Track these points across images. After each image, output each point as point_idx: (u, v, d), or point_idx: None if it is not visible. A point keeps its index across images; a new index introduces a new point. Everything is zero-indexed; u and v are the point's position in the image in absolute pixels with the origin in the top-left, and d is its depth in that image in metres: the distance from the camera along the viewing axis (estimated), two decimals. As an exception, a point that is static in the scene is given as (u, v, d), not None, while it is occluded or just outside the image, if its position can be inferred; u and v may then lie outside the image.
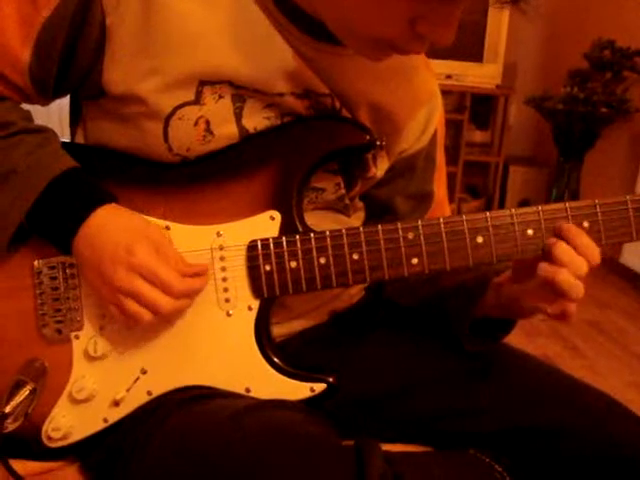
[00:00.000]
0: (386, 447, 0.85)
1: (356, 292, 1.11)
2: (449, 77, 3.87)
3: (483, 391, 0.96)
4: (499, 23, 3.86)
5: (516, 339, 1.00)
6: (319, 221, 0.93)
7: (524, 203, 4.33)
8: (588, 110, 3.57)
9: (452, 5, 0.73)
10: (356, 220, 1.04)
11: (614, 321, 3.08)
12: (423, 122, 1.01)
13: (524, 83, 4.42)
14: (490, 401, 0.95)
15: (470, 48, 3.89)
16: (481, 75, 3.95)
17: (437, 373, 0.99)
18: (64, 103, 0.99)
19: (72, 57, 0.86)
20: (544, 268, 0.82)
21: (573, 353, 2.71)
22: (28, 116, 0.90)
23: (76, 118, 0.96)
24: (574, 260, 0.81)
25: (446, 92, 3.90)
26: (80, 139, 0.95)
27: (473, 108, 4.10)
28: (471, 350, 0.96)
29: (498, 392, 0.95)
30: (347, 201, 0.98)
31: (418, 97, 1.00)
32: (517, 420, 0.92)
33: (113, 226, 0.83)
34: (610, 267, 3.48)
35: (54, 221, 0.84)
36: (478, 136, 4.51)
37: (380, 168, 0.98)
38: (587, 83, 3.65)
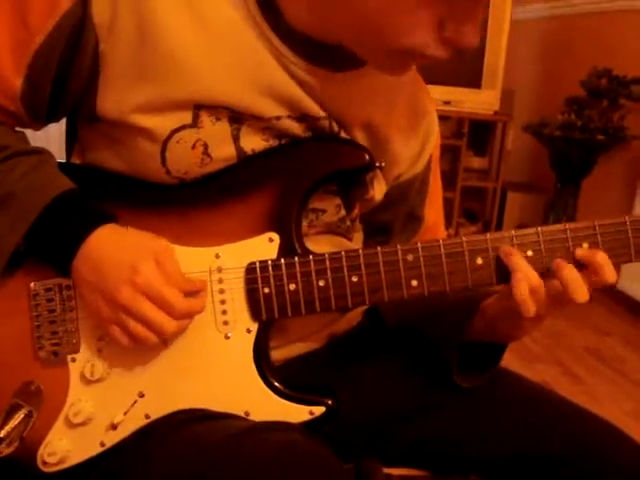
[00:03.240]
0: (386, 471, 0.85)
1: (355, 316, 1.10)
2: (447, 103, 3.88)
3: (483, 417, 0.95)
4: (497, 50, 3.88)
5: (514, 364, 1.00)
6: (320, 246, 0.93)
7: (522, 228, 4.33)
8: (585, 137, 3.58)
9: (475, 1, 0.75)
10: (357, 243, 1.04)
11: (612, 348, 3.07)
12: (419, 146, 1.01)
13: (522, 110, 4.44)
14: (490, 427, 0.94)
15: (468, 74, 3.91)
16: (479, 101, 3.96)
17: (437, 398, 0.98)
18: (51, 131, 0.99)
19: (65, 83, 0.86)
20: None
21: (572, 379, 2.70)
22: (23, 138, 0.90)
23: (72, 140, 0.96)
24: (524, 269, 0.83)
25: (444, 118, 3.92)
26: (77, 161, 0.95)
27: (471, 134, 4.11)
28: (460, 384, 0.96)
29: (498, 418, 0.95)
30: (348, 223, 0.98)
31: (414, 121, 1.00)
32: (517, 446, 0.92)
33: (114, 245, 0.83)
34: (608, 294, 3.48)
35: (52, 243, 0.84)
36: (476, 162, 4.52)
37: (378, 191, 0.98)
38: (584, 110, 3.67)
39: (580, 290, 0.81)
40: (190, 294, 0.83)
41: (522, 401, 0.97)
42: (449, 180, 4.05)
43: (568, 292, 0.81)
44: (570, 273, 0.81)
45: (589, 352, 3.00)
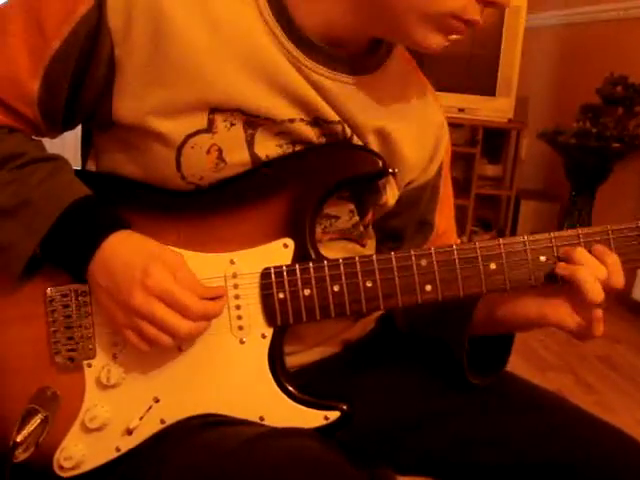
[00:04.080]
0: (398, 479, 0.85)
1: (368, 323, 1.10)
2: (461, 110, 3.88)
3: (496, 424, 0.95)
4: (512, 57, 3.87)
5: (527, 373, 1.00)
6: (334, 252, 0.93)
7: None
8: (600, 145, 3.57)
9: None
10: (370, 250, 1.04)
11: (625, 356, 3.05)
12: (430, 153, 1.02)
13: (536, 117, 4.43)
14: (502, 434, 0.94)
15: (483, 82, 3.91)
16: (493, 109, 3.95)
17: (451, 405, 0.98)
18: (67, 139, 1.00)
19: (81, 88, 0.87)
20: (562, 266, 0.84)
21: (585, 389, 2.68)
22: (40, 146, 0.91)
23: (87, 147, 0.97)
24: (591, 260, 0.83)
25: (458, 125, 3.92)
26: (92, 168, 0.96)
27: (485, 142, 4.09)
28: (473, 382, 0.96)
29: (510, 425, 0.95)
30: (362, 229, 0.98)
31: (425, 128, 1.01)
32: (530, 454, 0.91)
33: (128, 251, 0.83)
34: (621, 302, 3.46)
35: (68, 249, 0.85)
36: (490, 170, 4.51)
37: (391, 196, 0.98)
38: (599, 118, 3.66)
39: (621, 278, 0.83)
40: (208, 299, 0.84)
41: (534, 408, 0.97)
42: (463, 188, 4.04)
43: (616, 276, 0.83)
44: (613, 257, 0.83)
45: (601, 360, 2.98)
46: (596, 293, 0.81)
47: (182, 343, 0.85)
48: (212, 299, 0.84)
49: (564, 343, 3.00)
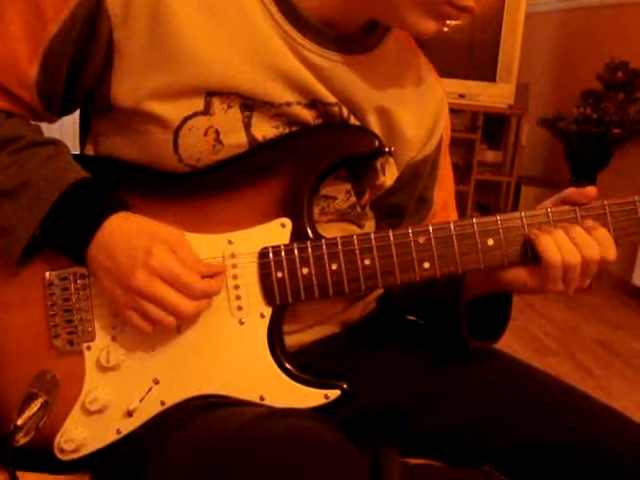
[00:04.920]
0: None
1: (369, 302, 1.10)
2: (462, 96, 3.87)
3: (498, 406, 0.94)
4: (512, 43, 3.86)
5: (526, 358, 0.99)
6: (332, 233, 0.93)
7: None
8: (601, 131, 3.57)
9: None
10: (368, 230, 1.03)
11: (626, 342, 3.06)
12: (430, 129, 1.02)
13: (537, 103, 4.42)
14: (505, 416, 0.93)
15: (483, 68, 3.90)
16: (494, 95, 3.94)
17: (452, 387, 0.98)
18: (65, 123, 0.99)
19: (79, 71, 0.87)
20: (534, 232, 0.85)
21: (584, 374, 2.69)
22: (38, 130, 0.91)
23: (86, 132, 0.97)
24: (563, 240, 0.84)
25: (458, 111, 3.92)
26: (90, 152, 0.96)
27: (485, 128, 4.09)
28: (472, 345, 0.96)
29: (514, 408, 0.94)
30: (359, 209, 0.98)
31: (424, 104, 1.01)
32: (532, 437, 0.91)
33: (128, 231, 0.83)
34: (621, 288, 3.47)
35: (68, 230, 0.84)
36: (490, 156, 4.50)
37: (389, 177, 0.98)
38: (600, 104, 3.65)
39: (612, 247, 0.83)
40: (207, 277, 0.84)
41: (539, 392, 0.96)
42: (463, 174, 4.04)
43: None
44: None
45: (601, 345, 2.99)
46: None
47: (183, 323, 0.85)
48: (211, 277, 0.85)
49: (565, 329, 3.00)
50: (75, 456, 0.87)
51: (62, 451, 0.87)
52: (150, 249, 0.81)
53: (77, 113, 0.98)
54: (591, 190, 0.87)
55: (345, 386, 0.87)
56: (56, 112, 0.92)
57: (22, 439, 0.85)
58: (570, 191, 0.88)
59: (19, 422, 0.84)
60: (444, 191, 1.09)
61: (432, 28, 0.85)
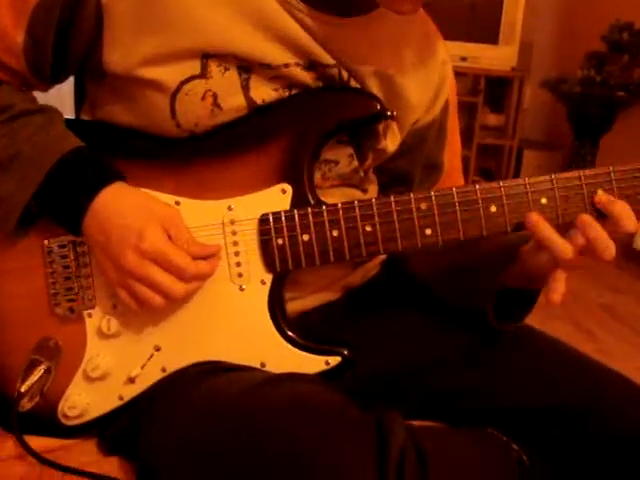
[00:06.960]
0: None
1: (371, 268, 1.10)
2: (464, 59, 3.84)
3: (500, 370, 0.95)
4: (515, 4, 3.82)
5: (529, 321, 0.99)
6: (335, 198, 0.92)
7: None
8: (605, 93, 3.54)
9: None
10: (371, 195, 1.03)
11: (628, 306, 3.07)
12: (434, 92, 1.00)
13: (540, 65, 4.37)
14: (508, 380, 0.94)
15: (486, 30, 3.86)
16: (496, 57, 3.91)
17: (454, 350, 0.98)
18: (64, 89, 0.98)
19: (68, 38, 0.85)
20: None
21: (586, 337, 2.70)
22: (30, 97, 0.90)
23: (81, 99, 0.96)
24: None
25: (460, 74, 3.88)
26: (86, 118, 0.95)
27: (488, 91, 4.06)
28: (495, 327, 0.95)
29: (516, 371, 0.95)
30: (362, 174, 0.98)
31: (427, 67, 0.99)
32: (534, 400, 0.92)
33: (122, 206, 0.83)
34: (624, 253, 3.46)
35: (62, 202, 0.84)
36: (492, 119, 4.47)
37: (391, 142, 0.97)
38: (604, 66, 3.62)
39: (608, 250, 0.80)
40: (202, 257, 0.84)
41: (541, 355, 0.97)
42: (465, 138, 4.01)
43: (597, 252, 0.80)
44: (597, 232, 0.80)
45: (604, 309, 3.01)
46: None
47: (174, 302, 0.85)
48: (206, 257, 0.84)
49: (567, 293, 3.01)
50: (79, 422, 0.88)
51: (66, 417, 0.88)
52: (143, 231, 0.80)
53: (64, 85, 0.96)
54: None
55: (345, 352, 0.86)
56: (46, 79, 0.90)
57: (27, 404, 0.85)
58: None
59: (23, 389, 0.85)
60: (451, 154, 1.09)
61: (410, 9, 0.83)
